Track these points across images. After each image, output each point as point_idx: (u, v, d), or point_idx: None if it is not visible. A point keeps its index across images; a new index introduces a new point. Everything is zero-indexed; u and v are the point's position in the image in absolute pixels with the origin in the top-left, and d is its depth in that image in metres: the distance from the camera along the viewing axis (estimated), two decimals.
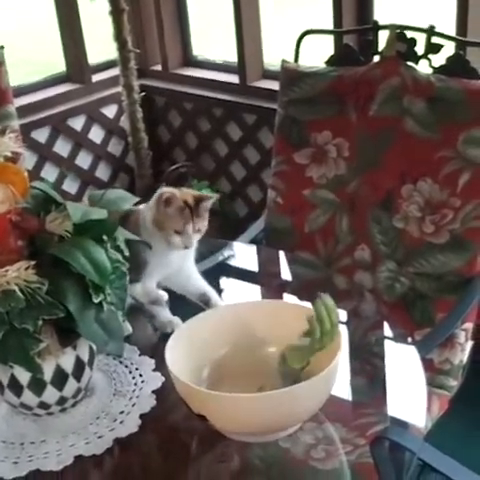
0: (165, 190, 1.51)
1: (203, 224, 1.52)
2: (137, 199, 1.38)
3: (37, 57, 5.24)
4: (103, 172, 3.35)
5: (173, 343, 1.30)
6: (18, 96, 2.93)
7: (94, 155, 3.29)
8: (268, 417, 1.20)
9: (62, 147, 3.17)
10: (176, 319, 1.55)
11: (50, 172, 3.12)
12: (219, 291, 1.63)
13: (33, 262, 1.19)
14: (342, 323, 1.49)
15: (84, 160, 3.26)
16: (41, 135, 3.08)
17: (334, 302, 1.27)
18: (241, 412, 1.20)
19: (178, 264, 1.56)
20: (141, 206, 1.56)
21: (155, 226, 1.50)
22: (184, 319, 1.38)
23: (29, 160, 2.95)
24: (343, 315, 1.63)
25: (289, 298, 1.80)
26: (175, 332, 1.35)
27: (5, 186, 1.25)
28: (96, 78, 3.29)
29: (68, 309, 1.20)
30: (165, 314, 1.56)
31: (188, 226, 1.49)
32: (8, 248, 1.22)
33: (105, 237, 1.26)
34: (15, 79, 2.62)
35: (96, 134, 3.28)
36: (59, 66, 3.30)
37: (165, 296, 1.65)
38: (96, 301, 1.22)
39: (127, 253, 1.30)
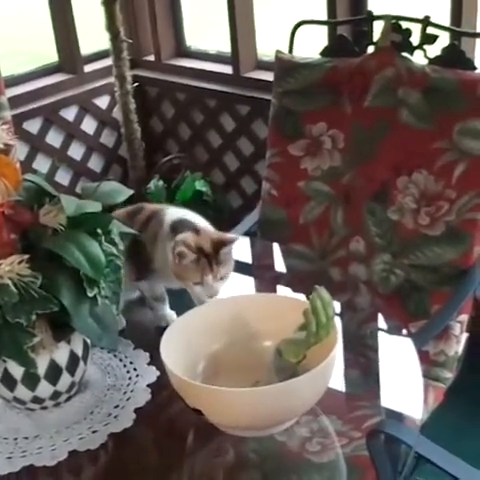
0: (180, 239, 1.39)
1: (226, 270, 1.41)
2: (131, 192, 1.37)
3: (28, 47, 5.21)
4: (96, 163, 3.33)
5: (168, 337, 1.29)
6: (9, 86, 2.90)
7: (87, 146, 3.27)
8: (264, 412, 1.19)
9: (54, 138, 3.15)
10: (172, 314, 1.53)
11: (42, 163, 3.10)
12: None
13: (26, 256, 1.18)
14: (337, 315, 1.49)
15: (76, 151, 3.24)
16: (33, 126, 3.05)
17: (330, 295, 1.26)
18: (237, 407, 1.19)
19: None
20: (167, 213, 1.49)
21: (175, 275, 1.42)
22: (179, 313, 1.37)
23: (21, 151, 2.93)
24: (338, 307, 1.63)
25: (283, 290, 1.80)
26: (170, 326, 1.34)
27: None
28: (88, 68, 3.26)
29: (62, 303, 1.19)
30: (164, 308, 1.54)
31: (207, 277, 1.39)
32: (1, 241, 1.22)
33: (99, 230, 1.25)
34: (6, 69, 2.60)
35: (88, 125, 3.26)
36: (51, 56, 3.27)
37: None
38: (90, 295, 1.21)
39: (122, 247, 1.29)
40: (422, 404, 1.34)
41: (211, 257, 1.39)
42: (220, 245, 1.40)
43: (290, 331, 1.29)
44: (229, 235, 1.45)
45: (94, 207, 1.24)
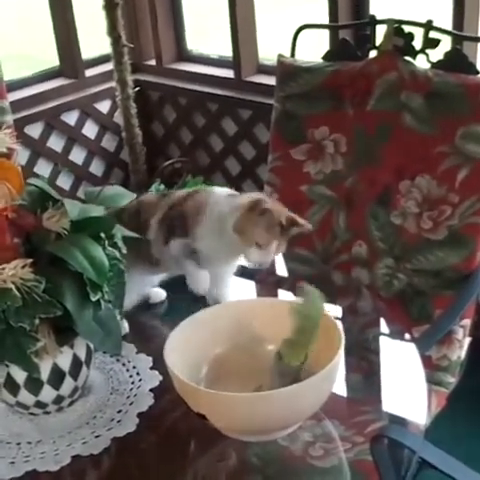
0: (263, 198, 1.41)
1: (284, 247, 1.43)
2: (134, 195, 1.37)
3: (29, 51, 5.21)
4: (97, 168, 3.33)
5: (172, 341, 1.29)
6: (11, 91, 2.91)
7: (88, 150, 3.27)
8: (268, 416, 1.19)
9: (55, 142, 3.15)
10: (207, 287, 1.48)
11: (43, 168, 3.10)
12: None
13: (30, 260, 1.18)
14: (339, 319, 1.49)
15: (78, 156, 3.24)
16: (34, 130, 3.06)
17: (317, 290, 1.25)
18: (240, 411, 1.19)
19: (221, 268, 1.50)
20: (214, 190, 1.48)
21: (235, 231, 1.40)
22: (182, 318, 1.37)
23: (22, 156, 2.93)
24: (340, 311, 1.63)
25: (286, 295, 1.79)
26: (173, 331, 1.33)
27: (0, 183, 1.24)
28: (89, 73, 3.26)
29: (65, 307, 1.19)
30: (199, 274, 1.46)
31: (272, 244, 1.40)
32: (4, 245, 1.21)
33: (103, 234, 1.25)
34: (7, 74, 2.59)
35: (90, 129, 3.26)
36: (50, 60, 3.28)
37: (163, 295, 1.64)
38: (94, 299, 1.21)
39: (124, 250, 1.29)
40: (426, 409, 1.33)
41: (283, 229, 1.41)
42: (294, 223, 1.43)
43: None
44: (304, 220, 1.47)
45: (97, 211, 1.24)
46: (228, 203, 1.45)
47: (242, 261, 1.49)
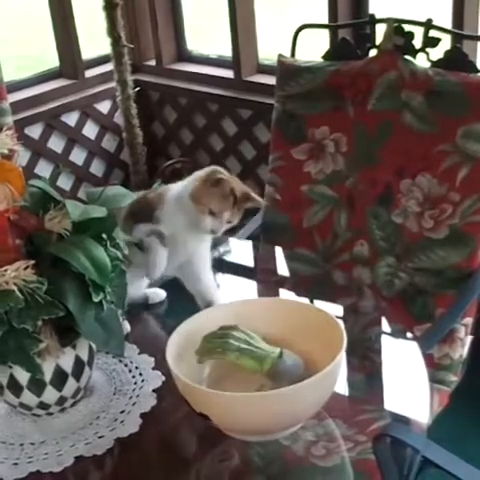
0: (219, 170, 1.51)
1: (236, 218, 1.51)
2: (136, 196, 1.37)
3: (28, 51, 5.21)
4: (97, 168, 3.34)
5: (173, 342, 1.29)
6: (11, 92, 2.91)
7: (88, 151, 3.28)
8: (270, 416, 1.19)
9: (56, 143, 3.15)
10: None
11: (44, 168, 3.11)
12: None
13: (32, 261, 1.18)
14: (341, 319, 1.49)
15: (78, 156, 3.25)
16: (35, 131, 3.06)
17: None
18: (243, 411, 1.19)
19: (189, 249, 1.54)
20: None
21: (192, 198, 1.48)
22: (183, 318, 1.37)
23: (22, 157, 2.94)
24: (342, 311, 1.63)
25: (287, 294, 1.79)
26: (175, 331, 1.33)
27: (2, 184, 1.24)
28: (89, 73, 3.27)
29: (68, 308, 1.19)
30: (160, 251, 1.49)
31: (225, 212, 1.47)
32: (6, 247, 1.21)
33: (104, 235, 1.25)
34: (6, 74, 2.60)
35: (90, 130, 3.26)
36: (51, 60, 3.28)
37: (163, 295, 1.64)
38: (96, 300, 1.21)
39: (126, 251, 1.29)
40: (428, 408, 1.34)
41: (237, 201, 1.48)
42: (247, 198, 1.51)
43: (294, 335, 1.30)
44: (258, 196, 1.55)
45: (99, 212, 1.24)
46: (187, 179, 1.54)
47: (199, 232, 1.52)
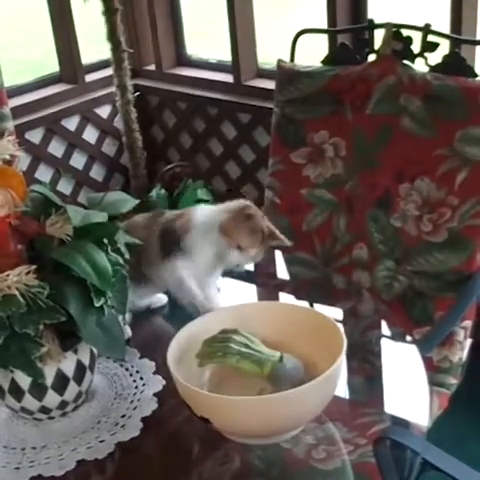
0: (250, 205, 1.50)
1: (260, 255, 1.51)
2: (137, 201, 1.38)
3: (29, 56, 5.22)
4: (98, 172, 3.34)
5: (174, 346, 1.29)
6: (11, 97, 2.92)
7: (88, 156, 3.29)
8: (271, 419, 1.20)
9: (56, 148, 3.16)
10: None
11: (44, 173, 3.11)
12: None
13: (34, 266, 1.18)
14: (341, 322, 1.49)
15: (78, 161, 3.26)
16: (35, 136, 3.07)
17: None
18: (244, 415, 1.20)
19: (210, 276, 1.54)
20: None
21: (221, 231, 1.48)
22: (184, 322, 1.38)
23: (23, 161, 2.94)
24: (342, 314, 1.63)
25: (287, 298, 1.80)
26: (176, 335, 1.34)
27: (4, 190, 1.24)
28: (89, 78, 3.28)
29: (69, 313, 1.20)
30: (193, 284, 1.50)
31: (252, 249, 1.48)
32: (8, 252, 1.22)
33: (105, 240, 1.25)
34: (6, 78, 2.60)
35: (90, 134, 3.27)
36: (51, 65, 3.29)
37: (164, 299, 1.65)
38: (97, 305, 1.21)
39: (128, 256, 1.30)
40: (428, 411, 1.34)
41: (264, 238, 1.49)
42: (274, 237, 1.52)
43: (295, 339, 1.30)
44: (283, 236, 1.56)
45: (100, 217, 1.24)
46: (214, 210, 1.53)
47: (224, 265, 1.54)
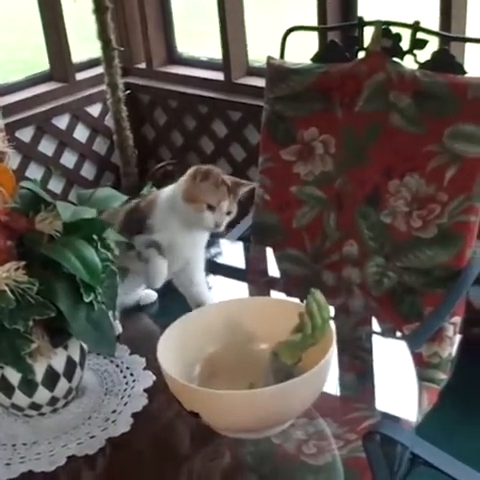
0: (201, 166, 1.48)
1: (234, 207, 1.48)
2: (126, 198, 1.38)
3: (19, 55, 5.20)
4: (88, 171, 3.34)
5: (164, 342, 1.30)
6: (2, 95, 2.92)
7: (79, 154, 3.28)
8: (260, 413, 1.20)
9: (47, 146, 3.15)
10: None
11: (35, 172, 3.11)
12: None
13: (23, 262, 1.19)
14: (331, 319, 1.50)
15: (69, 159, 3.25)
16: (25, 134, 3.06)
17: (324, 298, 1.27)
18: (233, 409, 1.20)
19: (187, 252, 1.53)
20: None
21: (186, 199, 1.46)
22: (174, 318, 1.38)
23: (13, 160, 2.94)
24: (332, 311, 1.64)
25: (277, 295, 1.80)
26: (166, 331, 1.34)
27: None
28: (80, 77, 3.27)
29: (59, 309, 1.20)
30: (159, 262, 1.48)
31: (223, 203, 1.45)
32: None
33: (95, 236, 1.25)
34: None
35: (81, 133, 3.27)
36: (41, 63, 3.28)
37: (154, 296, 1.65)
38: (87, 300, 1.22)
39: (117, 252, 1.30)
40: (417, 406, 1.35)
41: (230, 189, 1.46)
42: (238, 184, 1.49)
43: (284, 334, 1.30)
44: (247, 181, 1.54)
45: (89, 213, 1.25)
46: (172, 186, 1.52)
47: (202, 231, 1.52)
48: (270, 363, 1.29)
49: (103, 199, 1.34)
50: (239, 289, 1.83)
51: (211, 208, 1.45)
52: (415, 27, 1.92)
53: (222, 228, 1.48)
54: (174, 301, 1.58)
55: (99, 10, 2.95)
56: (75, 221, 1.23)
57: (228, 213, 1.47)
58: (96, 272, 1.21)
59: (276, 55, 2.12)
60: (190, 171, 1.50)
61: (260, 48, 3.10)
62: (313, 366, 1.21)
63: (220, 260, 1.96)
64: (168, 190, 1.54)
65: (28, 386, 1.28)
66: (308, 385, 1.22)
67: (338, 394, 1.42)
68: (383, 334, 1.59)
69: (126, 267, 1.47)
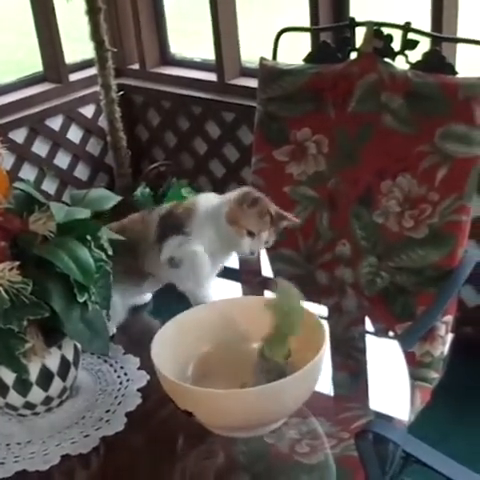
0: (252, 190, 1.49)
1: (273, 238, 1.49)
2: (119, 198, 1.38)
3: (13, 56, 5.20)
4: (82, 172, 3.34)
5: (158, 341, 1.30)
6: None
7: (73, 155, 3.28)
8: (252, 412, 1.21)
9: (40, 147, 3.16)
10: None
11: (28, 173, 3.11)
12: None
13: (17, 263, 1.19)
14: (324, 318, 1.51)
15: (63, 160, 3.25)
16: (19, 135, 3.06)
17: (289, 284, 1.28)
18: (225, 407, 1.21)
19: (215, 267, 1.53)
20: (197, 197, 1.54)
21: (228, 220, 1.46)
22: (168, 318, 1.39)
23: (7, 161, 2.93)
24: (325, 310, 1.65)
25: (270, 295, 1.80)
26: (159, 331, 1.35)
27: None
28: (73, 78, 3.28)
29: (53, 309, 1.21)
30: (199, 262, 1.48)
31: (263, 232, 1.46)
32: None
33: (89, 236, 1.26)
34: None
35: (74, 134, 3.27)
36: (34, 65, 3.28)
37: (148, 296, 1.65)
38: (81, 300, 1.22)
39: (111, 252, 1.30)
40: (409, 405, 1.35)
41: (274, 220, 1.47)
42: (283, 218, 1.50)
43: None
44: (292, 215, 1.55)
45: (83, 214, 1.25)
46: (218, 198, 1.52)
47: (229, 259, 1.54)
48: (258, 362, 1.30)
49: (97, 200, 1.35)
50: (232, 289, 1.83)
51: (251, 235, 1.46)
52: (406, 28, 1.92)
53: (255, 255, 1.50)
54: (168, 301, 1.58)
55: (92, 11, 2.95)
56: (69, 222, 1.23)
57: (265, 242, 1.48)
58: (90, 272, 1.22)
59: (269, 56, 2.12)
60: (240, 193, 1.49)
61: (253, 49, 3.10)
62: (305, 365, 1.21)
63: None
64: (209, 200, 1.52)
65: (22, 386, 1.29)
66: (300, 383, 1.23)
67: (331, 393, 1.43)
68: (376, 333, 1.60)
69: (149, 272, 1.50)
